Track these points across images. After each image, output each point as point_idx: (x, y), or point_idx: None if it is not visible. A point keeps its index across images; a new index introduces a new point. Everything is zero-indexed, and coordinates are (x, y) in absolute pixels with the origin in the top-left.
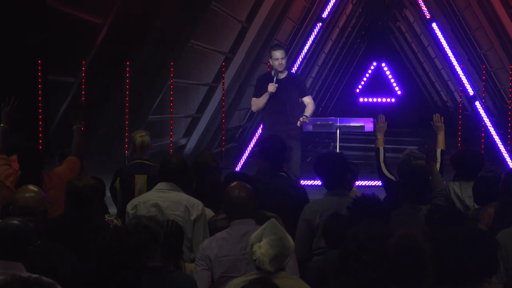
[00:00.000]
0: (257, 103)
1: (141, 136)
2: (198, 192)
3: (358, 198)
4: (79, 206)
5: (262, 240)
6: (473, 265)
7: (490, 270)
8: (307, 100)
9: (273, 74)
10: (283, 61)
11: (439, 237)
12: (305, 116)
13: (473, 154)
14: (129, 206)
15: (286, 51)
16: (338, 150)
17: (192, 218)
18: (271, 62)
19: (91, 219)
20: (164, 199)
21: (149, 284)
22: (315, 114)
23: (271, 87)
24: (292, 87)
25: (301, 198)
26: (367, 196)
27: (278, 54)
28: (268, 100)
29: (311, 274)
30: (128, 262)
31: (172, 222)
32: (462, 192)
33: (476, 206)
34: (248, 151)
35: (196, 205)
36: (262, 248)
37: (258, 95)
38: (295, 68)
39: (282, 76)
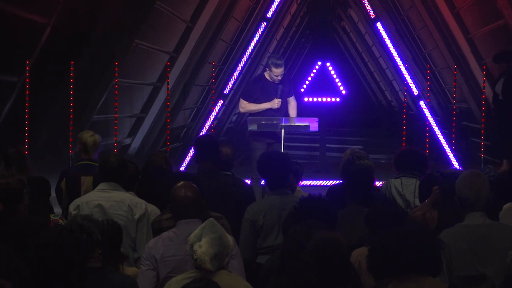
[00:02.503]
0: (251, 109)
1: (91, 135)
2: (149, 193)
3: (305, 198)
4: (7, 203)
5: (202, 239)
6: (414, 263)
7: (434, 269)
8: (292, 101)
9: (279, 89)
10: (282, 76)
11: (381, 235)
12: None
13: (415, 154)
14: (71, 207)
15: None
16: (283, 150)
17: (136, 217)
18: (269, 72)
19: (22, 216)
20: (107, 199)
21: (88, 285)
22: (258, 113)
23: (277, 104)
24: (286, 91)
25: (245, 196)
26: (314, 196)
27: (279, 71)
28: (261, 102)
29: (257, 274)
30: (69, 262)
31: (110, 221)
32: (403, 188)
33: (417, 202)
34: (193, 151)
35: (139, 204)
36: (203, 247)
37: (248, 98)
38: (240, 68)
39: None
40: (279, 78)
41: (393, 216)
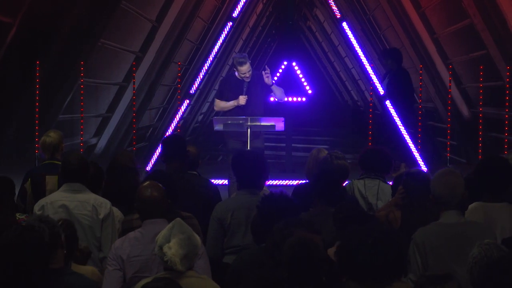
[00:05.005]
0: (222, 106)
1: (47, 135)
2: (113, 192)
3: (267, 197)
4: None
5: (171, 240)
6: (381, 265)
7: (398, 271)
8: (275, 88)
9: (244, 86)
10: (250, 73)
11: (347, 236)
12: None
13: (379, 154)
14: (36, 207)
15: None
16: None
17: (100, 217)
18: (236, 71)
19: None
20: (71, 199)
21: (46, 286)
22: (227, 111)
23: (242, 101)
24: (257, 86)
25: (211, 196)
26: (276, 194)
27: (244, 69)
28: (230, 100)
29: (226, 273)
30: (26, 263)
31: (63, 221)
32: (366, 190)
33: (380, 204)
34: (159, 151)
35: (104, 204)
36: (173, 249)
37: (221, 97)
38: (206, 67)
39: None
40: (247, 75)
41: (360, 215)
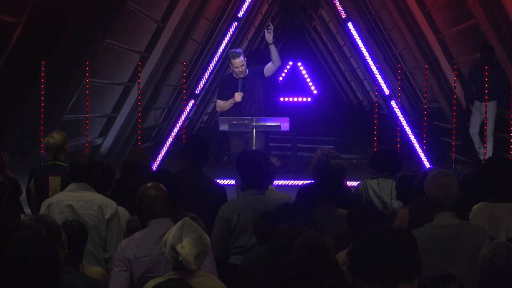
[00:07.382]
0: (223, 106)
1: (49, 136)
2: (125, 189)
3: (283, 207)
4: None
5: (183, 240)
6: (392, 264)
7: (410, 270)
8: (272, 47)
9: (239, 82)
10: (243, 67)
11: (359, 236)
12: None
13: (391, 154)
14: (42, 207)
15: (243, 54)
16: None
17: (106, 217)
18: (231, 68)
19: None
20: (77, 199)
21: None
22: (228, 110)
23: (238, 97)
24: (255, 81)
25: (218, 196)
26: (292, 204)
27: (236, 62)
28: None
29: (230, 274)
30: (27, 264)
31: (74, 222)
32: (380, 189)
33: (394, 203)
34: (165, 151)
35: (109, 204)
36: (186, 248)
37: (222, 97)
38: (211, 68)
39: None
40: (240, 69)
41: (375, 216)
